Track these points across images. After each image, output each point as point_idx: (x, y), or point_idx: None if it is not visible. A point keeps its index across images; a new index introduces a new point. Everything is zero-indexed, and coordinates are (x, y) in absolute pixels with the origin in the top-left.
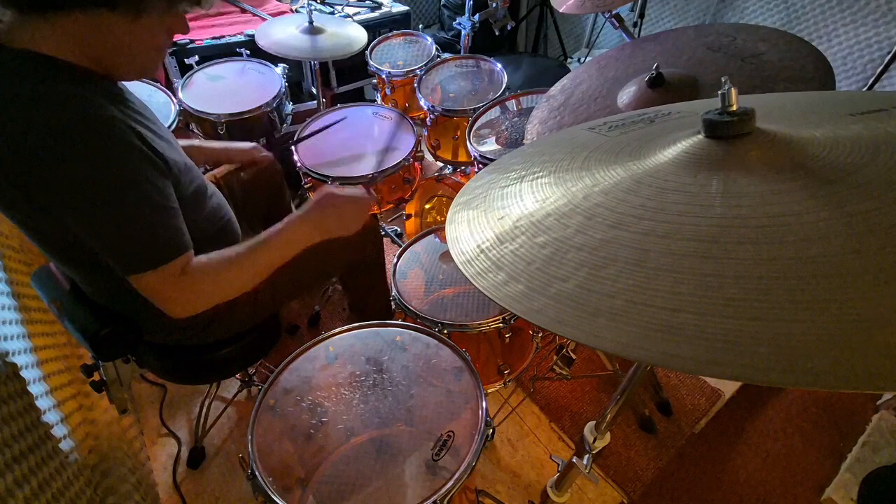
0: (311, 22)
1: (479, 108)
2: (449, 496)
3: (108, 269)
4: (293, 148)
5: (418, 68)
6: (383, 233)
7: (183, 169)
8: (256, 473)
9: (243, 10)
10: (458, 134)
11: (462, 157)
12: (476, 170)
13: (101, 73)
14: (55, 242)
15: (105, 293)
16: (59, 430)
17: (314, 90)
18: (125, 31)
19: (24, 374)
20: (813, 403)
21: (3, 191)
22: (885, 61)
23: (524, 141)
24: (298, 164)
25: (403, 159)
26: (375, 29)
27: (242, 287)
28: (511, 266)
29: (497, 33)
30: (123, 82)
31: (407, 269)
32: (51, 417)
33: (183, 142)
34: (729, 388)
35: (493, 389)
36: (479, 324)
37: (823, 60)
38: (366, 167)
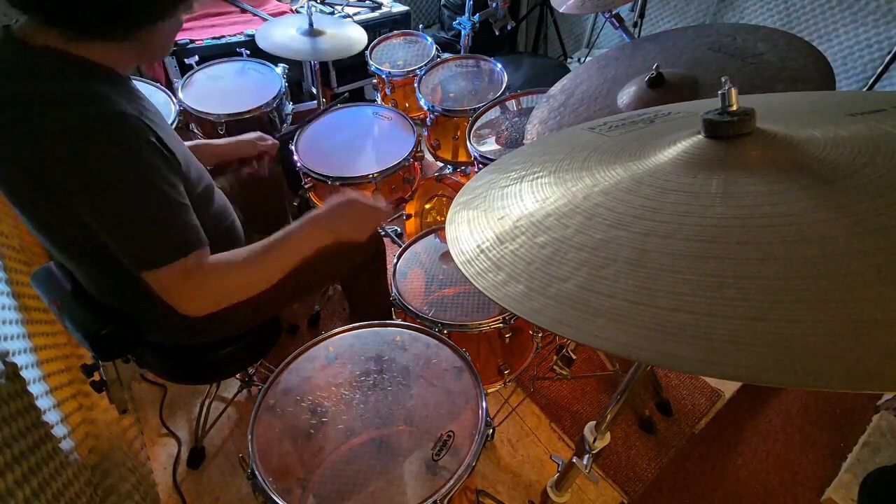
0: (311, 23)
1: (479, 108)
2: (449, 496)
3: (112, 266)
4: (293, 147)
5: (418, 68)
6: (383, 233)
7: (192, 168)
8: (256, 473)
9: (243, 10)
10: (458, 134)
11: (462, 157)
12: (476, 170)
13: (109, 66)
14: (64, 237)
15: (107, 290)
16: (59, 430)
17: (314, 90)
18: (144, 38)
19: (24, 374)
20: (813, 403)
21: (19, 183)
22: (885, 61)
23: (524, 141)
24: (298, 164)
25: (403, 159)
26: (375, 29)
27: (257, 286)
28: (511, 266)
29: (497, 33)
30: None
31: (407, 269)
32: (51, 417)
33: (189, 143)
34: (729, 388)
35: (493, 389)
36: (479, 324)
37: (823, 60)
38: (365, 167)
